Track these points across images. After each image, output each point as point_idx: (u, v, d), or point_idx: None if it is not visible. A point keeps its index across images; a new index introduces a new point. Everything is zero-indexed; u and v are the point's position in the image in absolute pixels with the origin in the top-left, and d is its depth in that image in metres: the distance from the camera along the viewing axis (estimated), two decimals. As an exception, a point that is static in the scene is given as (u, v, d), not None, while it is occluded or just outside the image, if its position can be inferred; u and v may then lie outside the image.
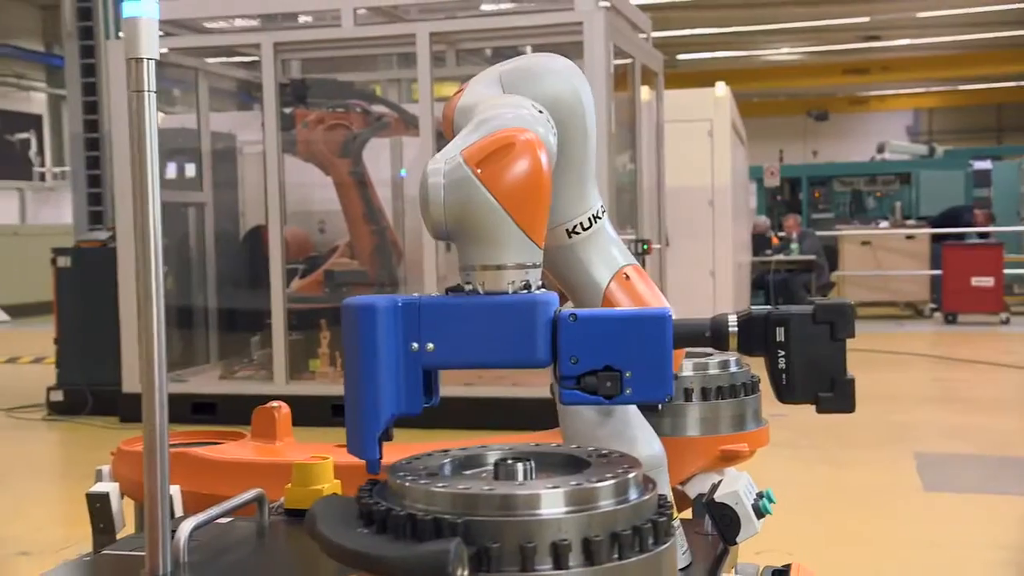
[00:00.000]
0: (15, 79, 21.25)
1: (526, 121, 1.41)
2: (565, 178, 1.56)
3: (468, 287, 1.33)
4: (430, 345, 1.27)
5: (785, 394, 1.32)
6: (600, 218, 1.63)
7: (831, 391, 1.31)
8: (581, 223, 1.60)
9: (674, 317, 1.60)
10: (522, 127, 1.37)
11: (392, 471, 1.18)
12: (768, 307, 1.34)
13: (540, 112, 1.47)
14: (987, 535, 4.04)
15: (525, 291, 1.33)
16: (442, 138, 5.44)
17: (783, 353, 1.31)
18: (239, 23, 7.19)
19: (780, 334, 1.31)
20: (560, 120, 1.52)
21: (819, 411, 1.32)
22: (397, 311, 1.26)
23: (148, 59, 1.50)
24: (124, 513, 2.04)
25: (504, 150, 1.33)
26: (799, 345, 1.31)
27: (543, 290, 1.35)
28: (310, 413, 5.69)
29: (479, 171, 1.32)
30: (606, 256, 1.65)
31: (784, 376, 1.31)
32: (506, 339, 1.27)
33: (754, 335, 1.32)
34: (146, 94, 1.51)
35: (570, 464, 1.22)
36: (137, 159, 1.50)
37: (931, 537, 4.00)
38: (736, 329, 1.32)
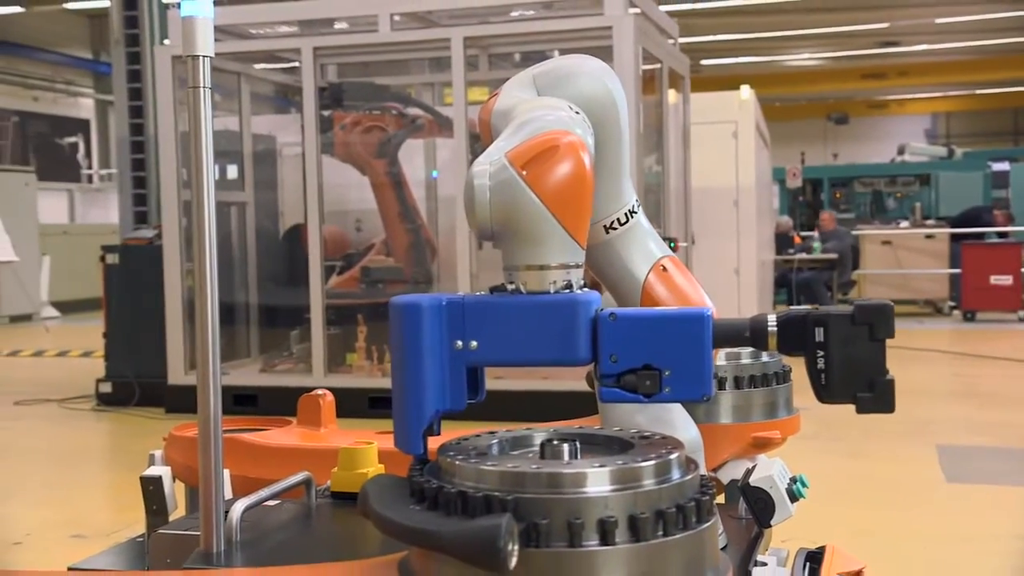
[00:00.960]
0: (64, 85, 21.48)
1: (566, 123, 1.40)
2: (601, 176, 1.55)
3: (511, 287, 1.33)
4: (474, 343, 1.26)
5: (824, 394, 1.30)
6: (636, 213, 1.63)
7: (870, 391, 1.29)
8: (618, 219, 1.60)
9: (707, 303, 1.59)
10: (564, 129, 1.37)
11: (442, 451, 1.18)
12: (808, 308, 1.32)
13: (577, 113, 1.47)
14: (1008, 526, 4.00)
15: (567, 291, 1.32)
16: (476, 140, 5.50)
17: (822, 353, 1.29)
18: (280, 29, 7.23)
19: (819, 334, 1.28)
20: (595, 120, 1.51)
21: (859, 411, 1.29)
22: (441, 310, 1.26)
23: (204, 56, 1.51)
24: (175, 496, 2.06)
25: (549, 152, 1.32)
26: (838, 346, 1.28)
27: (585, 290, 1.34)
28: (348, 405, 5.68)
29: (524, 173, 1.31)
30: (643, 249, 1.64)
31: (823, 376, 1.29)
32: (548, 338, 1.26)
33: (793, 335, 1.30)
34: (202, 90, 1.51)
35: (614, 445, 1.22)
36: (194, 151, 1.51)
37: (953, 527, 3.96)
38: (776, 329, 1.30)
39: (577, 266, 1.36)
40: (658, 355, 1.24)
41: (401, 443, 1.28)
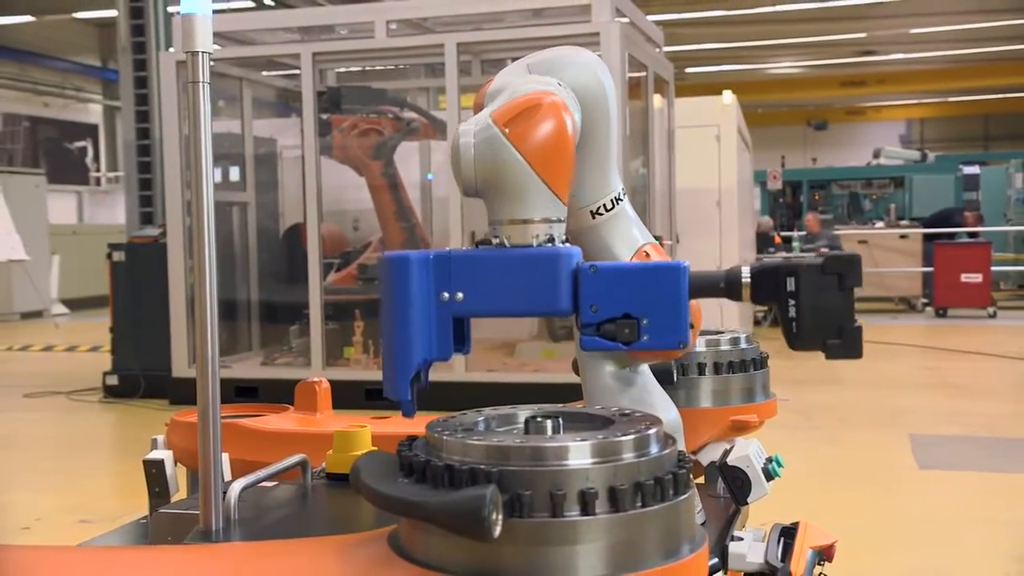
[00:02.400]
0: (74, 91, 21.43)
1: (551, 88, 1.41)
2: (589, 163, 1.55)
3: (496, 240, 1.34)
4: (460, 295, 1.27)
5: (795, 341, 1.31)
6: (621, 200, 1.63)
7: (839, 338, 1.29)
8: (604, 205, 1.60)
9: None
10: (547, 90, 1.38)
11: (430, 427, 1.18)
12: (780, 258, 1.33)
13: (565, 90, 1.47)
14: (977, 509, 4.01)
15: (549, 244, 1.33)
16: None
17: (793, 302, 1.30)
18: (280, 35, 7.22)
19: (791, 284, 1.29)
20: (585, 107, 1.51)
21: (828, 358, 1.31)
22: (428, 263, 1.27)
23: (203, 52, 1.51)
24: (177, 478, 2.05)
25: (531, 110, 1.33)
26: (809, 294, 1.29)
27: (567, 244, 1.35)
28: (345, 397, 5.66)
29: (507, 130, 1.32)
30: (627, 236, 1.64)
31: (794, 324, 1.30)
32: (531, 289, 1.27)
33: (766, 285, 1.30)
34: (201, 84, 1.51)
35: (595, 422, 1.22)
36: (193, 144, 1.50)
37: (925, 511, 3.98)
38: (749, 280, 1.31)
39: (559, 220, 1.37)
40: (636, 305, 1.25)
41: (389, 390, 1.30)
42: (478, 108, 1.55)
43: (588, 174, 1.56)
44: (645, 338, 1.25)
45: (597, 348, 1.27)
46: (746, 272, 1.31)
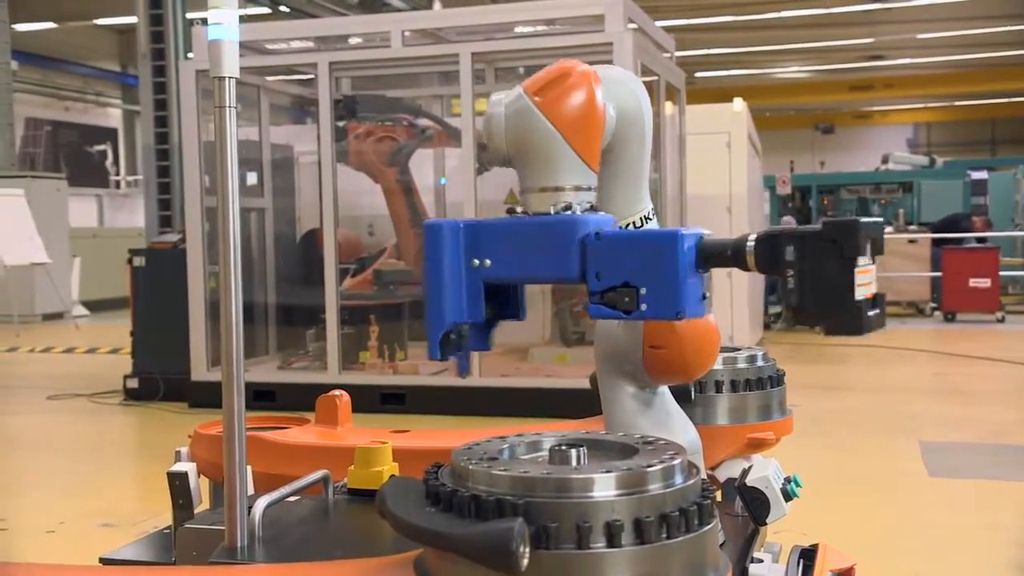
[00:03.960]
0: (94, 96, 21.52)
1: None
2: (623, 179, 1.55)
3: (519, 209, 1.35)
4: (488, 261, 1.31)
5: (799, 315, 1.29)
6: (651, 220, 1.62)
7: (840, 311, 1.27)
8: (634, 222, 1.59)
9: (714, 323, 1.58)
10: (577, 61, 1.40)
11: (456, 455, 1.18)
12: (782, 227, 1.32)
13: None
14: (987, 517, 3.98)
15: (566, 211, 1.33)
16: (484, 150, 5.43)
17: (792, 273, 1.28)
18: (297, 44, 7.23)
19: (791, 253, 1.28)
20: (621, 124, 1.50)
21: (828, 333, 1.29)
22: (459, 231, 1.31)
23: (230, 77, 1.51)
24: (200, 490, 2.05)
25: (561, 79, 1.34)
26: (809, 262, 1.27)
27: (591, 212, 1.35)
28: (360, 401, 5.66)
29: (537, 98, 1.33)
30: None
31: (795, 296, 1.28)
32: (545, 256, 1.29)
33: (768, 252, 1.29)
34: (228, 109, 1.51)
35: (619, 450, 1.21)
36: (220, 167, 1.51)
37: (935, 519, 3.95)
38: (753, 246, 1.29)
39: (589, 188, 1.37)
40: (635, 274, 1.26)
41: (429, 350, 1.34)
42: None
43: (621, 190, 1.56)
44: (644, 307, 1.25)
45: (602, 316, 1.27)
46: (751, 240, 1.30)
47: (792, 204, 16.23)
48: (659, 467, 1.09)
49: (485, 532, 0.98)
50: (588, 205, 1.36)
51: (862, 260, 1.24)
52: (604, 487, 1.05)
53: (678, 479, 1.10)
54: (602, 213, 1.37)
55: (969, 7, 17.68)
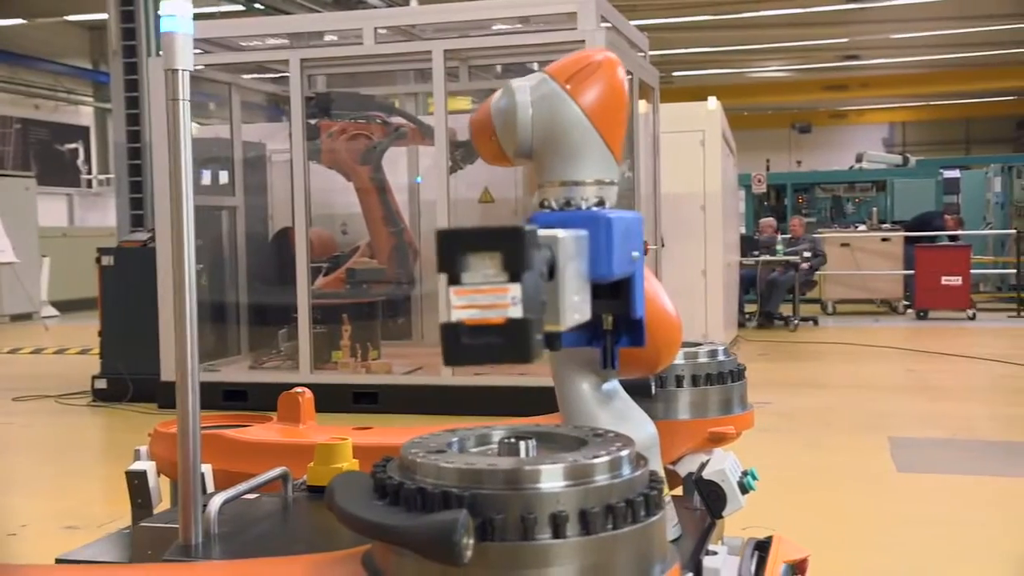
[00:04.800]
0: (65, 94, 21.30)
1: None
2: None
3: (544, 204, 1.32)
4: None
5: None
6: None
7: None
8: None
9: (671, 310, 1.59)
10: (598, 47, 1.38)
11: (404, 448, 1.18)
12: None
13: None
14: (954, 512, 4.03)
15: (599, 207, 1.30)
16: (456, 147, 5.44)
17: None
18: (269, 41, 7.20)
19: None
20: None
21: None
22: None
23: (183, 70, 1.50)
24: (160, 489, 2.04)
25: (591, 66, 1.31)
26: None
27: (605, 208, 1.32)
28: (333, 400, 5.70)
29: (568, 86, 1.29)
30: None
31: None
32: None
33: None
34: (181, 102, 1.51)
35: (569, 443, 1.21)
36: (172, 160, 1.50)
37: (903, 514, 3.98)
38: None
39: (612, 183, 1.34)
40: None
41: None
42: (484, 125, 1.52)
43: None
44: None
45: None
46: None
47: (767, 203, 16.34)
48: (606, 458, 1.09)
49: (429, 524, 0.98)
50: (596, 201, 1.33)
51: (469, 276, 0.99)
52: (550, 478, 1.05)
53: (625, 470, 1.11)
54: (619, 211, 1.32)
55: (943, 8, 17.85)
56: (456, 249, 0.98)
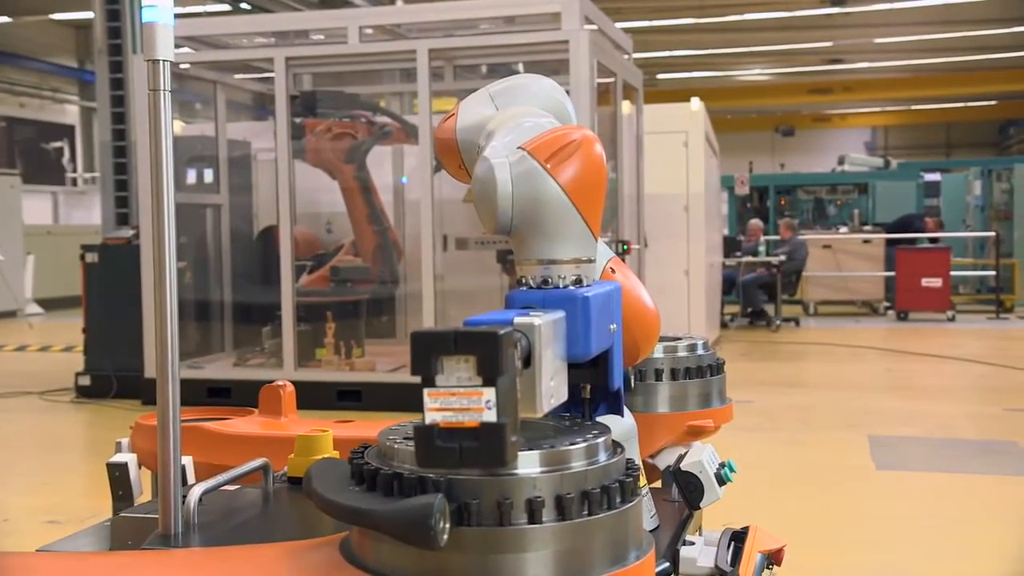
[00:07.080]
0: (51, 93, 21.19)
1: (565, 122, 1.39)
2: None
3: (522, 281, 1.32)
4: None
5: None
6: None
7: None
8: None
9: (649, 303, 1.60)
10: (574, 125, 1.37)
11: (382, 435, 1.18)
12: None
13: (546, 116, 1.46)
14: (931, 508, 4.06)
15: (576, 285, 1.31)
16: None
17: None
18: (255, 40, 7.17)
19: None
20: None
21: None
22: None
23: (164, 60, 1.50)
24: (142, 482, 2.03)
25: (570, 146, 1.30)
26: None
27: (582, 284, 1.33)
28: (316, 398, 5.69)
29: (549, 165, 1.29)
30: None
31: None
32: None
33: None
34: (162, 93, 1.50)
35: (545, 430, 1.22)
36: (154, 152, 1.49)
37: (881, 511, 4.01)
38: None
39: (590, 260, 1.34)
40: None
41: None
42: (446, 142, 1.52)
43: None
44: None
45: None
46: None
47: (750, 204, 16.40)
48: (582, 445, 1.10)
49: (404, 508, 0.98)
50: (573, 278, 1.33)
51: (443, 379, 0.98)
52: (526, 464, 1.05)
53: (601, 457, 1.11)
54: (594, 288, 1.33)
55: (926, 13, 17.97)
56: (431, 352, 0.98)
